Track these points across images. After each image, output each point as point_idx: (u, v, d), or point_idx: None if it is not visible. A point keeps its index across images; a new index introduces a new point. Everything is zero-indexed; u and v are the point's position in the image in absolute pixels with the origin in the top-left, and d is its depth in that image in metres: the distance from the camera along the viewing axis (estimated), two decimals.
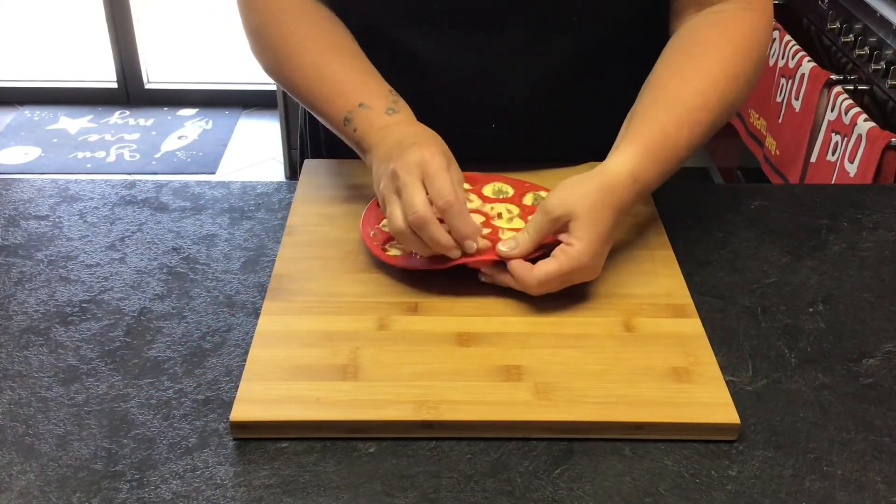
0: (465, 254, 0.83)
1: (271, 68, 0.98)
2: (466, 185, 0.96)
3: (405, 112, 0.90)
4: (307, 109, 0.98)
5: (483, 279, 0.84)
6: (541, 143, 1.01)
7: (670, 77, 0.90)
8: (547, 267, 0.80)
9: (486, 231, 0.87)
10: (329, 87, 0.92)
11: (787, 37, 2.01)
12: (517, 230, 0.87)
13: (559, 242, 0.82)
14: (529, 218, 0.85)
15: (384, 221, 0.90)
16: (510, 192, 0.96)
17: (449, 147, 0.91)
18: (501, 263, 0.83)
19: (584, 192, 0.81)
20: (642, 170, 0.84)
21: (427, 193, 0.80)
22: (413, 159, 0.81)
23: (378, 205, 0.92)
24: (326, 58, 0.93)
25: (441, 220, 0.80)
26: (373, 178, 0.87)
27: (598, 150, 0.92)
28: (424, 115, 0.92)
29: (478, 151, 1.00)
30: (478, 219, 0.91)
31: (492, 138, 1.01)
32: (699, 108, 0.87)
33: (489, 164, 0.99)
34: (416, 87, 0.96)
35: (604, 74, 0.98)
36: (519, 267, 0.81)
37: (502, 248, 0.82)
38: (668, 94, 0.88)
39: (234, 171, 3.09)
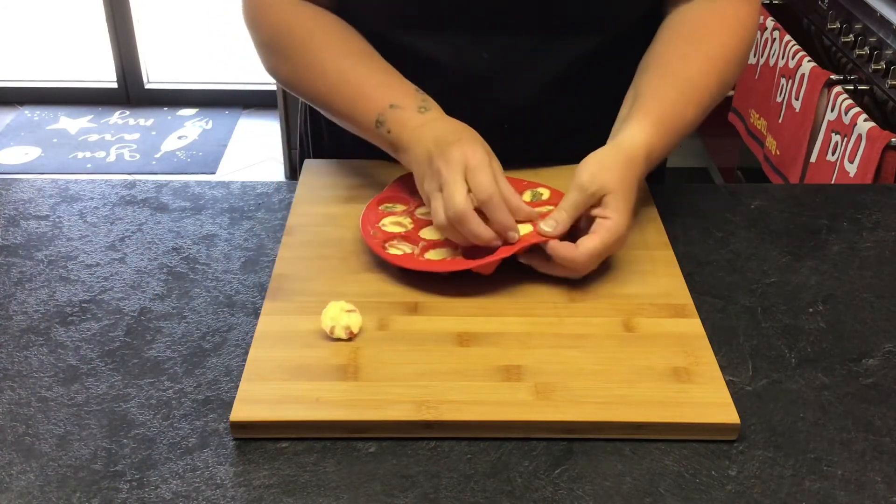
0: (465, 257, 0.84)
1: (290, 81, 0.97)
2: None
3: (436, 109, 0.91)
4: (330, 116, 0.97)
5: (522, 260, 0.85)
6: (553, 142, 1.01)
7: (673, 57, 0.94)
8: (591, 243, 0.82)
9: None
10: (355, 90, 0.92)
11: (787, 37, 2.01)
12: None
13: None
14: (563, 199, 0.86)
15: (384, 220, 0.91)
16: None
17: None
18: (535, 253, 0.84)
19: (612, 167, 0.85)
20: (654, 142, 0.88)
21: (469, 189, 0.82)
22: (455, 156, 0.82)
23: (377, 204, 0.93)
24: (348, 62, 0.93)
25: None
26: (415, 177, 0.88)
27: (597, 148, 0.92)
28: None
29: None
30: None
31: (504, 139, 1.01)
32: (702, 86, 0.93)
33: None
34: (426, 89, 0.96)
35: (615, 72, 0.98)
36: (563, 248, 0.82)
37: (544, 227, 0.83)
38: (674, 73, 0.93)
39: (234, 171, 3.09)
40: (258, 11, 0.97)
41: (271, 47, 0.97)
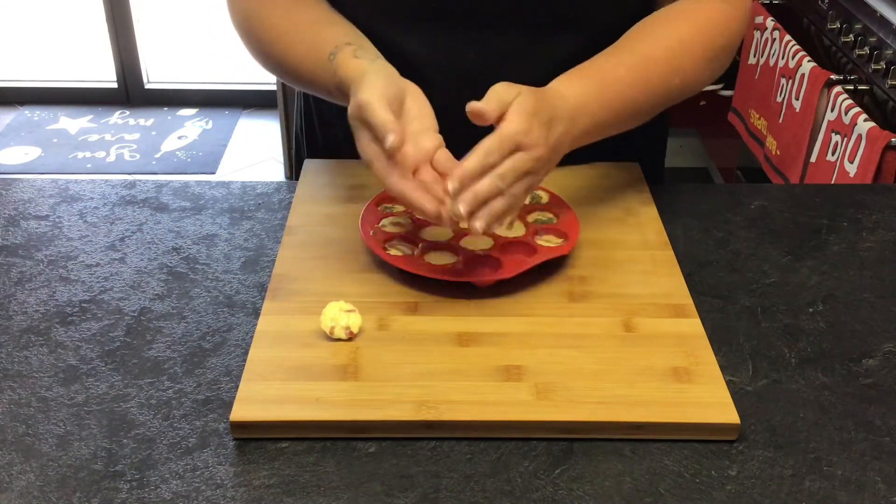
0: (465, 267, 0.84)
1: (260, 52, 0.98)
2: None
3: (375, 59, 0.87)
4: (295, 82, 0.97)
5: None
6: None
7: (636, 37, 0.93)
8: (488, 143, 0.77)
9: (489, 243, 0.87)
10: (310, 34, 0.91)
11: (787, 37, 2.01)
12: (517, 238, 0.88)
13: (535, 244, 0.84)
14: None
15: (384, 221, 0.91)
16: None
17: (450, 148, 0.90)
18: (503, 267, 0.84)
19: (518, 88, 0.81)
20: (579, 94, 0.85)
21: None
22: (351, 111, 0.80)
23: (376, 204, 0.93)
24: (315, 28, 0.93)
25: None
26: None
27: (597, 148, 0.92)
28: None
29: None
30: None
31: None
32: (651, 68, 0.90)
33: None
34: None
35: None
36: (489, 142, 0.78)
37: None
38: (625, 41, 0.92)
39: (234, 171, 3.09)
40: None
41: (246, 24, 0.97)
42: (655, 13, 0.96)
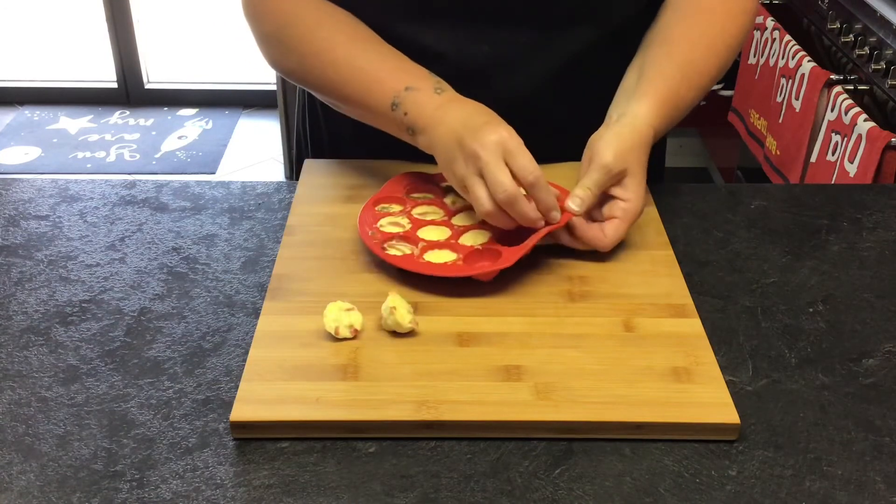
0: (466, 264, 0.84)
1: (296, 72, 0.97)
2: None
3: (450, 90, 0.90)
4: (340, 105, 0.97)
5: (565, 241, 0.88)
6: (553, 136, 1.01)
7: (679, 38, 0.96)
8: (618, 229, 0.86)
9: (486, 236, 0.87)
10: (367, 75, 0.92)
11: (787, 37, 2.01)
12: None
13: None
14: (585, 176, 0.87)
15: (382, 221, 0.90)
16: None
17: None
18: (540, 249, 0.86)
19: (632, 148, 0.87)
20: (659, 124, 0.91)
21: (511, 171, 0.82)
22: (491, 139, 0.82)
23: (374, 205, 0.93)
24: (358, 49, 0.93)
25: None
26: (440, 160, 0.88)
27: None
28: None
29: None
30: (476, 220, 0.91)
31: None
32: (703, 71, 0.95)
33: None
34: None
35: (615, 66, 0.98)
36: (592, 232, 0.86)
37: (572, 206, 0.85)
38: (679, 53, 0.94)
39: (234, 171, 3.09)
40: (260, 4, 0.96)
41: (275, 39, 0.96)
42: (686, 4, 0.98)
